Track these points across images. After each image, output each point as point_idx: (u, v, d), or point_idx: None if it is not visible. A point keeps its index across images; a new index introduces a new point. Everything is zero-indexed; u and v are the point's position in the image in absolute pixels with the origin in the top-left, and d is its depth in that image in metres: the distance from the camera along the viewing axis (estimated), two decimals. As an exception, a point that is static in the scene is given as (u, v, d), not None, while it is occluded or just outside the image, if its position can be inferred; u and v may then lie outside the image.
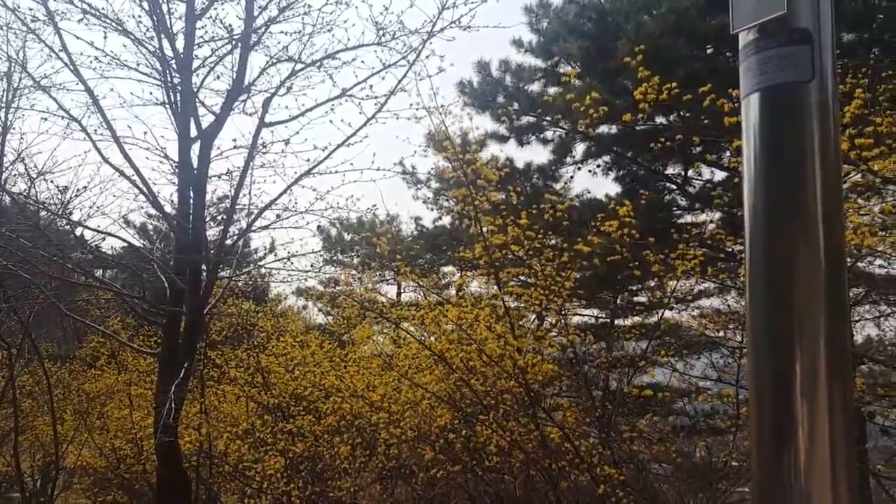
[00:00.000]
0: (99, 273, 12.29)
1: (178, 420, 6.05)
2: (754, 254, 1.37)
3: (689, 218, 11.80)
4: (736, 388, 8.13)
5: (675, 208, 11.76)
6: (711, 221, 11.23)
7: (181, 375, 6.04)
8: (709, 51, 10.29)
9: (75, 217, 7.24)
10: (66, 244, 7.33)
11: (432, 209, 16.71)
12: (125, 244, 10.16)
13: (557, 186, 12.08)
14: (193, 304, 6.75)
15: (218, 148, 6.91)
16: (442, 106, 7.20)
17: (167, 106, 6.84)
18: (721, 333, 11.14)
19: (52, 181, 9.36)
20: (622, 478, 6.93)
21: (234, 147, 6.83)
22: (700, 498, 7.52)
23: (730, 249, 9.92)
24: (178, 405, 5.79)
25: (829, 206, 1.28)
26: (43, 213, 7.00)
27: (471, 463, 8.31)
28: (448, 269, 17.96)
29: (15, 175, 8.96)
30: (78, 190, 6.38)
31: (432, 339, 9.10)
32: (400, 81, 7.05)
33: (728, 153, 10.82)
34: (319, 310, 19.99)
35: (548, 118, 11.71)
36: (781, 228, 1.31)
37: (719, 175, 11.94)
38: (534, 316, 9.67)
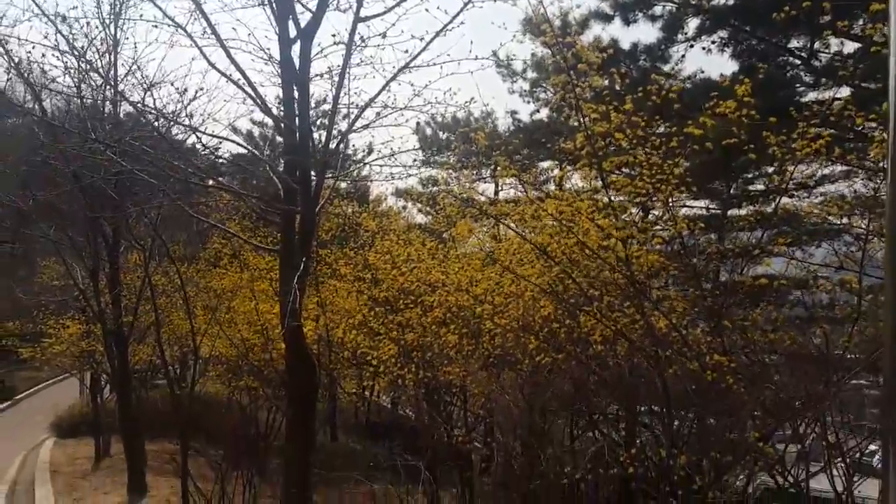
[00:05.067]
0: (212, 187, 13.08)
1: (301, 307, 6.47)
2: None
3: (813, 95, 10.78)
4: (860, 274, 7.68)
5: (798, 85, 10.75)
6: (838, 99, 10.26)
7: (301, 269, 6.40)
8: None
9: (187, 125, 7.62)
10: (184, 149, 7.77)
11: (529, 102, 16.26)
12: (234, 154, 10.66)
13: (666, 68, 11.29)
14: (306, 202, 7.02)
15: (318, 44, 6.94)
16: (541, -16, 6.76)
17: (265, 7, 6.88)
18: (845, 220, 10.42)
19: (167, 88, 9.81)
20: (732, 365, 6.85)
21: (334, 43, 6.82)
22: (816, 387, 7.32)
23: (859, 128, 9.07)
24: (301, 294, 6.18)
25: None
26: (161, 120, 7.38)
27: (575, 351, 8.45)
28: (546, 164, 17.69)
29: (132, 86, 9.50)
30: (194, 93, 6.63)
31: (532, 234, 9.11)
32: (496, -39, 6.66)
33: (862, 20, 9.67)
34: (419, 210, 20.39)
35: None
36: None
37: (850, 46, 10.77)
38: (636, 210, 9.39)
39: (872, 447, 9.88)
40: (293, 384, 7.42)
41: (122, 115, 10.42)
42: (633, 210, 9.15)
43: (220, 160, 7.27)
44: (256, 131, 26.25)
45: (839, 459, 7.59)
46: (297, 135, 7.00)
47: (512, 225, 9.83)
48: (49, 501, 10.80)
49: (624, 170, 7.91)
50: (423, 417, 10.79)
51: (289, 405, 7.60)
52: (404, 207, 22.84)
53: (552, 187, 14.74)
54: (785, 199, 10.62)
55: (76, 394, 21.71)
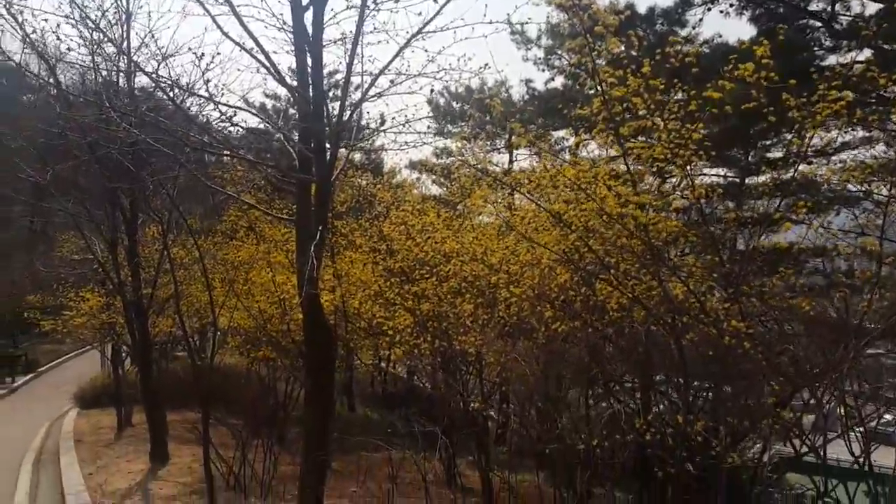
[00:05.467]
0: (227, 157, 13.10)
1: (319, 275, 6.51)
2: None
3: (834, 59, 10.56)
4: (880, 239, 7.59)
5: (817, 49, 10.54)
6: (860, 62, 10.04)
7: (318, 237, 6.42)
8: None
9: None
10: (199, 122, 7.76)
11: (543, 70, 16.08)
12: (247, 127, 10.62)
13: (683, 33, 11.08)
14: (321, 171, 7.02)
15: (331, 10, 6.87)
16: (556, -53, 6.63)
17: (277, -27, 6.80)
18: (865, 187, 10.26)
19: (181, 60, 9.83)
20: (750, 331, 6.83)
21: (347, 7, 6.75)
22: (834, 353, 7.30)
23: (882, 91, 8.87)
24: (318, 262, 6.20)
25: None
26: (175, 90, 7.36)
27: (591, 318, 8.47)
28: (560, 133, 17.53)
29: (145, 58, 9.48)
30: (211, 58, 6.58)
31: (548, 202, 9.06)
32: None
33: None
34: (433, 181, 20.34)
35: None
36: None
37: (872, 7, 10.51)
38: (653, 179, 9.31)
39: (888, 416, 9.84)
40: (311, 355, 7.49)
41: (136, 91, 10.43)
42: (651, 179, 9.07)
43: (237, 127, 7.23)
44: (269, 104, 26.27)
45: (857, 425, 7.59)
46: (311, 103, 6.97)
47: (527, 193, 9.79)
48: (74, 468, 11.04)
49: (640, 137, 7.81)
50: (439, 386, 10.90)
51: (307, 375, 7.69)
52: (418, 179, 22.92)
53: (567, 157, 14.63)
54: (803, 166, 10.48)
55: (97, 366, 22.11)
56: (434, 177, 20.07)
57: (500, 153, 18.99)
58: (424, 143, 7.90)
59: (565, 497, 8.58)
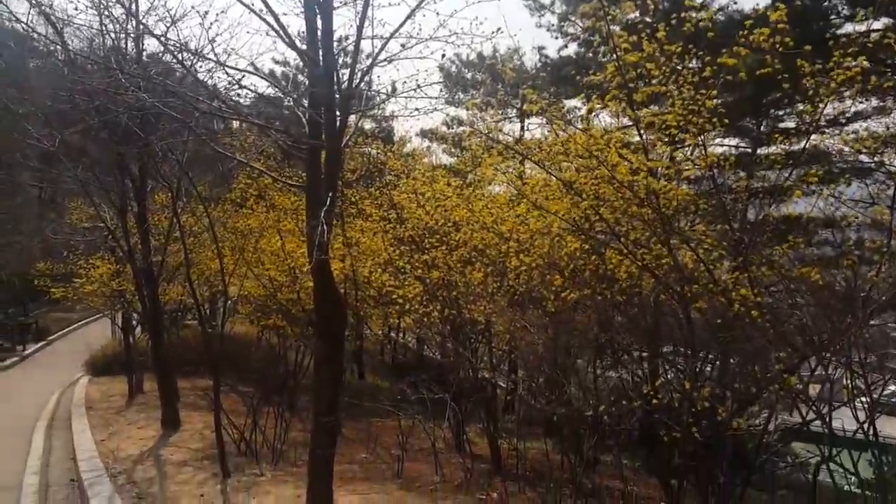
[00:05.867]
0: (236, 125, 12.99)
1: (329, 240, 6.52)
2: None
3: (850, 28, 10.39)
4: (891, 209, 7.53)
5: (834, 17, 10.36)
6: (875, 30, 9.85)
7: (328, 203, 6.40)
8: None
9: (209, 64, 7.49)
10: (208, 84, 7.69)
11: (557, 37, 15.85)
12: (256, 91, 10.51)
13: (697, 0, 10.90)
14: (331, 137, 6.99)
15: (340, -34, 6.75)
16: None
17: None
18: (876, 158, 10.18)
19: (189, 22, 9.72)
20: (758, 299, 6.84)
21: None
22: (842, 322, 7.29)
23: (899, 60, 8.74)
24: (328, 228, 6.21)
25: None
26: (185, 53, 7.29)
27: (600, 287, 8.49)
28: (573, 102, 17.37)
29: (154, 22, 9.38)
30: (215, 17, 6.50)
31: (558, 170, 9.01)
32: None
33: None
34: (444, 151, 20.23)
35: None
36: None
37: (893, -26, 10.29)
38: (665, 147, 9.24)
39: (893, 387, 9.86)
40: (321, 323, 7.53)
41: (144, 57, 10.34)
42: (663, 147, 9.00)
43: (245, 89, 7.15)
44: (279, 70, 26.17)
45: (862, 394, 7.62)
46: (322, 66, 6.91)
47: (538, 161, 9.74)
48: (86, 434, 11.19)
49: (654, 106, 7.74)
50: (448, 354, 10.99)
51: (317, 343, 7.74)
52: (429, 148, 22.83)
53: (579, 126, 14.49)
54: (816, 136, 10.38)
55: (108, 334, 22.33)
56: (445, 146, 20.01)
57: (511, 122, 18.88)
58: (436, 109, 7.84)
59: (573, 463, 8.69)
